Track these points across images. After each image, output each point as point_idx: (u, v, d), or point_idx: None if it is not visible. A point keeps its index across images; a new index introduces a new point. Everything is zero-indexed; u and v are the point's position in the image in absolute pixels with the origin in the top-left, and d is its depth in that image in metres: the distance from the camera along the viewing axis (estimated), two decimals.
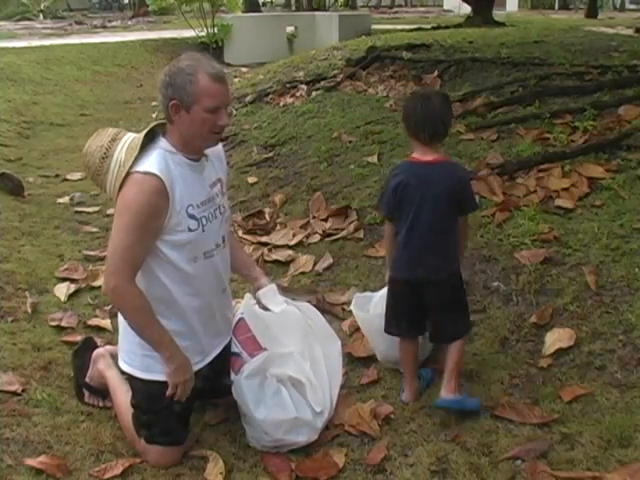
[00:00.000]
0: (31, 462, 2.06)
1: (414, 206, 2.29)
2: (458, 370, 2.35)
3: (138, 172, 1.97)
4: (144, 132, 2.04)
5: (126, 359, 2.21)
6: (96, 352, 2.47)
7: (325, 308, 3.11)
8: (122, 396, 2.28)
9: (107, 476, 2.07)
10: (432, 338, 2.50)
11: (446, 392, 2.30)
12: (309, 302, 2.68)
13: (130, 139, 2.10)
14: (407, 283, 2.38)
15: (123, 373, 2.27)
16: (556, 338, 2.49)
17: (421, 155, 2.32)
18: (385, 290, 2.50)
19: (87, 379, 2.47)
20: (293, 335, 2.35)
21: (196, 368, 2.17)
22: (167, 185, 1.97)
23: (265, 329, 2.33)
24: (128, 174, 1.98)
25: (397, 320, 2.42)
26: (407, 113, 2.37)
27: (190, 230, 2.06)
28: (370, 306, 2.66)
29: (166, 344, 2.06)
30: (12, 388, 2.44)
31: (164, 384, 2.11)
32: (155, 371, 2.12)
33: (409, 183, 2.29)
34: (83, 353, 2.56)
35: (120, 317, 2.19)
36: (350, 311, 3.04)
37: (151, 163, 1.97)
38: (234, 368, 2.28)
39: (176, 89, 1.98)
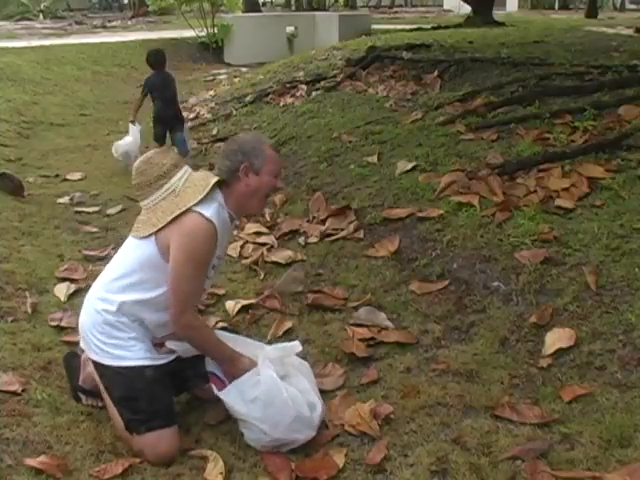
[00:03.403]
0: (31, 462, 2.06)
1: (157, 89, 5.76)
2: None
3: (203, 215, 2.18)
4: (213, 182, 2.26)
5: (95, 350, 2.28)
6: (84, 355, 2.48)
7: (325, 304, 3.13)
8: None
9: (107, 476, 2.07)
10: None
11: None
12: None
13: (188, 173, 2.33)
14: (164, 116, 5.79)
15: (97, 366, 2.29)
16: (556, 338, 2.49)
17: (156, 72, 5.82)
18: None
19: (80, 382, 2.48)
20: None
21: (173, 356, 2.34)
22: (218, 236, 2.23)
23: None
24: (190, 210, 2.19)
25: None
26: (149, 56, 5.88)
27: (207, 277, 2.33)
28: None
29: (232, 354, 2.30)
30: (12, 388, 2.44)
31: (136, 369, 2.21)
32: (125, 358, 2.23)
33: (154, 81, 5.78)
34: (73, 357, 2.61)
35: (83, 317, 2.34)
36: (353, 308, 3.06)
37: (212, 212, 2.21)
38: (217, 386, 2.30)
39: (246, 155, 2.30)
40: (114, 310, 2.25)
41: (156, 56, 5.84)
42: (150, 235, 2.24)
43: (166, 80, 5.81)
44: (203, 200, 2.21)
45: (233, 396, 2.23)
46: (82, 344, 2.37)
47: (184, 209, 2.20)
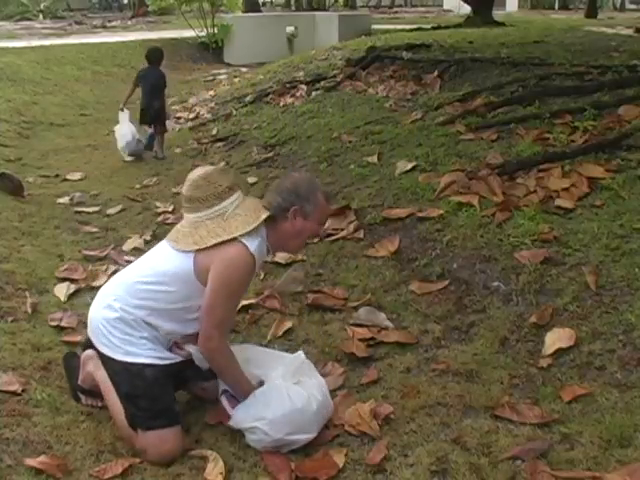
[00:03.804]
0: (31, 462, 2.06)
1: (147, 82, 6.26)
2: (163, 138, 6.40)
3: (247, 248, 2.20)
4: (263, 217, 2.28)
5: (105, 342, 2.26)
6: (84, 354, 2.49)
7: (325, 304, 3.13)
8: (114, 396, 2.30)
9: (107, 476, 2.07)
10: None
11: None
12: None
13: (240, 199, 2.33)
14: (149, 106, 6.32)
15: (103, 357, 2.29)
16: (556, 338, 2.49)
17: (150, 67, 6.42)
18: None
19: (80, 382, 2.48)
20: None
21: (182, 358, 2.33)
22: (256, 268, 2.30)
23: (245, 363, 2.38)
24: (236, 239, 2.20)
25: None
26: (147, 52, 6.54)
27: None
28: None
29: (249, 389, 2.29)
30: (12, 388, 2.44)
31: (144, 366, 2.21)
32: (135, 354, 2.23)
33: (146, 74, 6.34)
34: (72, 357, 2.61)
35: (96, 310, 2.32)
36: (353, 308, 3.06)
37: (256, 246, 2.24)
38: (230, 404, 2.32)
39: (300, 198, 2.33)
40: (130, 310, 2.24)
41: (154, 52, 6.49)
42: (189, 251, 2.23)
43: (156, 75, 6.38)
44: (249, 232, 2.23)
45: (241, 412, 2.25)
46: (90, 336, 2.34)
47: (230, 237, 2.20)
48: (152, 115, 6.30)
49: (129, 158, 6.28)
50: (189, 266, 2.22)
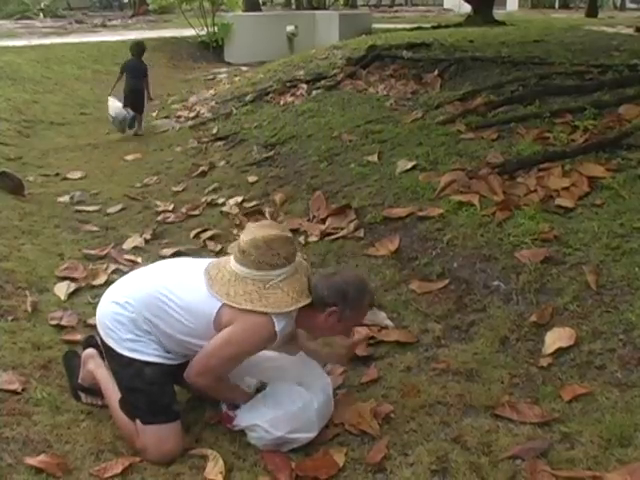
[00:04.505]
0: (31, 461, 2.06)
1: (129, 71, 7.41)
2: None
3: (274, 325, 2.15)
4: (303, 304, 2.21)
5: (113, 336, 2.25)
6: (85, 353, 2.49)
7: None
8: (114, 394, 2.31)
9: (107, 475, 2.08)
10: None
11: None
12: None
13: (289, 274, 2.22)
14: (130, 91, 7.39)
15: (108, 349, 2.28)
16: (556, 337, 2.49)
17: (134, 59, 7.55)
18: None
19: (80, 380, 2.48)
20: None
21: (186, 359, 2.30)
22: (275, 343, 2.22)
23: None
24: (267, 313, 2.14)
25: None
26: (130, 46, 7.85)
27: None
28: None
29: (243, 392, 2.37)
30: (12, 387, 2.44)
31: (148, 364, 2.21)
32: (141, 351, 2.22)
33: (128, 65, 7.48)
34: (73, 356, 2.61)
35: (106, 307, 2.30)
36: None
37: (282, 327, 2.17)
38: (229, 409, 2.34)
39: (345, 303, 2.23)
40: (141, 318, 2.22)
41: (135, 46, 7.68)
42: (218, 299, 2.18)
43: (137, 66, 7.50)
44: (283, 315, 2.18)
45: (243, 413, 2.27)
46: (98, 328, 2.32)
47: (263, 310, 2.14)
48: (132, 98, 7.28)
49: (115, 118, 7.24)
50: (212, 311, 2.17)
